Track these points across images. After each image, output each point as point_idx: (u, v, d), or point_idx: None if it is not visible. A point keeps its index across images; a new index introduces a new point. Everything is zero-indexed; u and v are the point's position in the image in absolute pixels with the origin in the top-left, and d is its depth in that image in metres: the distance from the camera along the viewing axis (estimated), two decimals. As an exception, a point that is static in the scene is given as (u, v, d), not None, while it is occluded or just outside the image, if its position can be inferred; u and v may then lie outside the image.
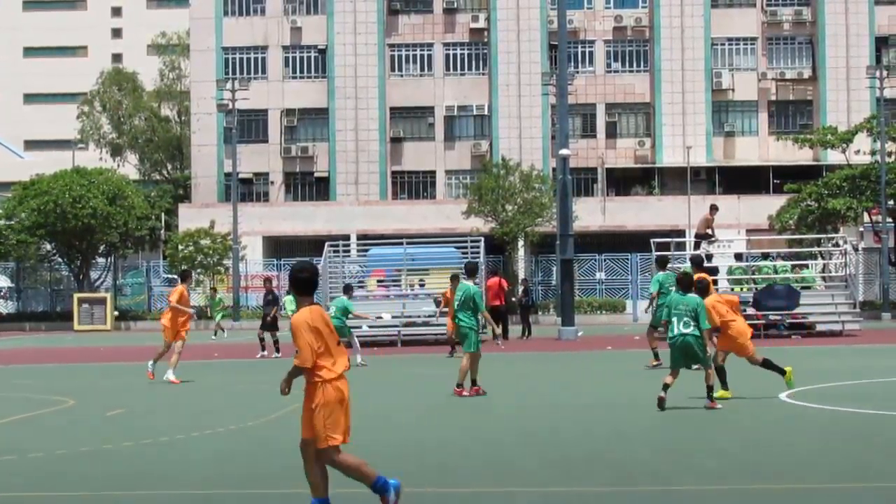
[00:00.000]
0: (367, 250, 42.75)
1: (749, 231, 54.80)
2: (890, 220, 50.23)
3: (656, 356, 20.96)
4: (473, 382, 16.76)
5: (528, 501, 9.02)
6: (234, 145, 54.98)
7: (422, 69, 63.42)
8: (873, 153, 51.32)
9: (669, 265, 25.32)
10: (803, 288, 33.46)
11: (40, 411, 16.05)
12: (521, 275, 51.06)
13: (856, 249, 41.93)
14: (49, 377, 23.35)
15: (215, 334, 40.37)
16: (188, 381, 20.21)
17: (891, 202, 50.12)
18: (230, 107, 54.09)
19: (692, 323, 14.33)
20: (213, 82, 60.72)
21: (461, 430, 13.24)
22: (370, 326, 31.26)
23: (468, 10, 63.18)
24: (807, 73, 62.26)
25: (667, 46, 62.11)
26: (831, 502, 8.88)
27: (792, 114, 62.94)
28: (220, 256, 54.46)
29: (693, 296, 14.77)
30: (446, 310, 26.64)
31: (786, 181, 55.13)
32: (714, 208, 33.03)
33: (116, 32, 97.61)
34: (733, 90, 62.27)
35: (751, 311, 31.96)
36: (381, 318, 30.64)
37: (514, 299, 38.47)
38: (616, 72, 62.91)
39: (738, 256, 36.56)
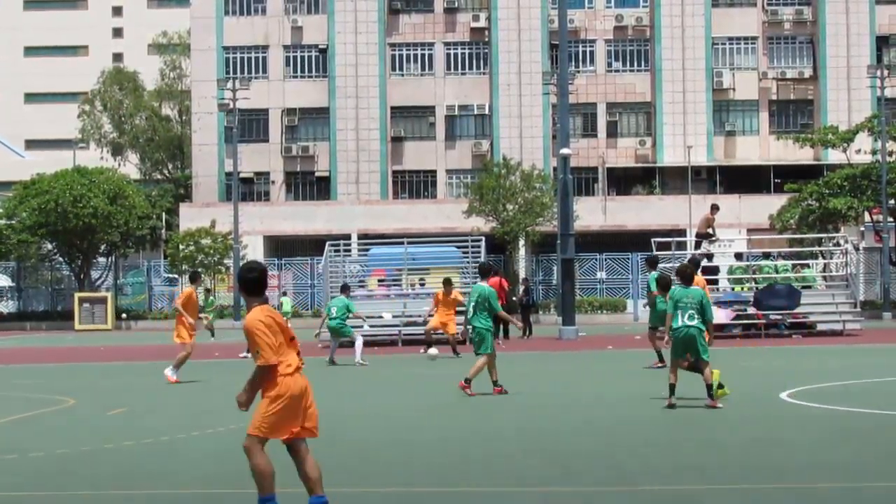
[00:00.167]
0: (367, 250, 42.70)
1: (750, 230, 54.81)
2: (891, 219, 50.18)
3: (661, 358, 20.93)
4: (495, 384, 16.80)
5: (527, 501, 9.01)
6: (234, 145, 55.00)
7: (422, 69, 63.40)
8: (874, 152, 51.27)
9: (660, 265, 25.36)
10: (804, 287, 33.46)
11: (41, 411, 16.05)
12: (522, 274, 51.13)
13: (857, 249, 41.96)
14: (50, 377, 23.37)
15: (213, 334, 40.37)
16: (188, 381, 20.19)
17: (892, 201, 50.12)
18: (231, 106, 54.11)
19: (697, 315, 14.35)
20: (214, 82, 60.72)
21: (461, 429, 13.23)
22: (371, 326, 31.23)
23: (469, 10, 63.15)
24: (807, 73, 62.24)
25: (667, 46, 62.10)
26: (831, 502, 8.87)
27: (793, 113, 62.92)
28: (221, 256, 54.47)
29: (696, 288, 14.77)
30: (435, 310, 26.92)
31: (786, 181, 55.08)
32: (715, 208, 33.07)
33: (117, 32, 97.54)
34: (734, 89, 62.24)
35: (752, 310, 32.05)
36: (381, 317, 30.66)
37: (514, 299, 38.52)
38: (617, 71, 62.89)
39: (739, 256, 36.53)
